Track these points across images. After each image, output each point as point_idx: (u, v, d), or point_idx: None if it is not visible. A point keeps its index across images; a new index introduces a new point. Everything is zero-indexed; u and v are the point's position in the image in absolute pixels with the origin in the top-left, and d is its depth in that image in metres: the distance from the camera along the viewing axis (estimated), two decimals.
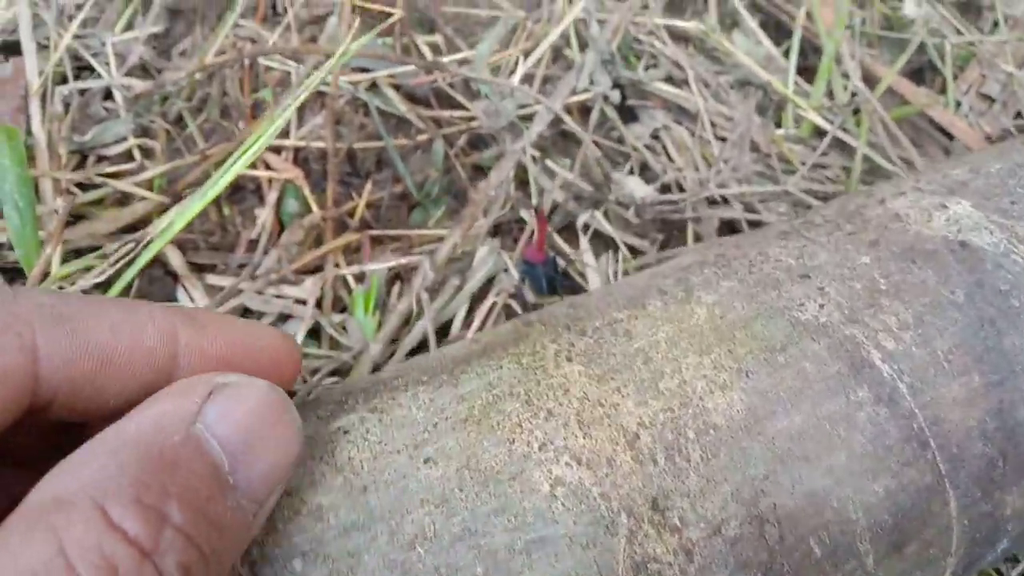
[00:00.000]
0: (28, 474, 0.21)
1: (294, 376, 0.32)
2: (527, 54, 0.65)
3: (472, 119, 0.63)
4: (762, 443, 0.30)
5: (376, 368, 0.53)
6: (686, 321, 0.34)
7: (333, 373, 0.54)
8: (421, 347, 0.56)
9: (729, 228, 0.64)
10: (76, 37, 0.65)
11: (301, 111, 0.64)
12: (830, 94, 0.69)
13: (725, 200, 0.63)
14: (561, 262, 0.58)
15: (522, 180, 0.63)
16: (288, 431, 0.27)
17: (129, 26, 0.67)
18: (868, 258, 0.36)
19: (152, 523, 0.20)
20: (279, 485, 0.26)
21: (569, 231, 0.62)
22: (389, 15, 0.69)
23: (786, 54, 0.73)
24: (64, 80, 0.64)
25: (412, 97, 0.65)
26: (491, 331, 0.39)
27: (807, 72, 0.72)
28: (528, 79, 0.66)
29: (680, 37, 0.73)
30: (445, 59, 0.65)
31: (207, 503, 0.22)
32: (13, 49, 0.65)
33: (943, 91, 0.72)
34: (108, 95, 0.64)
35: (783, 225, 0.40)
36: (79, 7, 0.67)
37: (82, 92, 0.63)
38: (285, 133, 0.62)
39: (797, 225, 0.40)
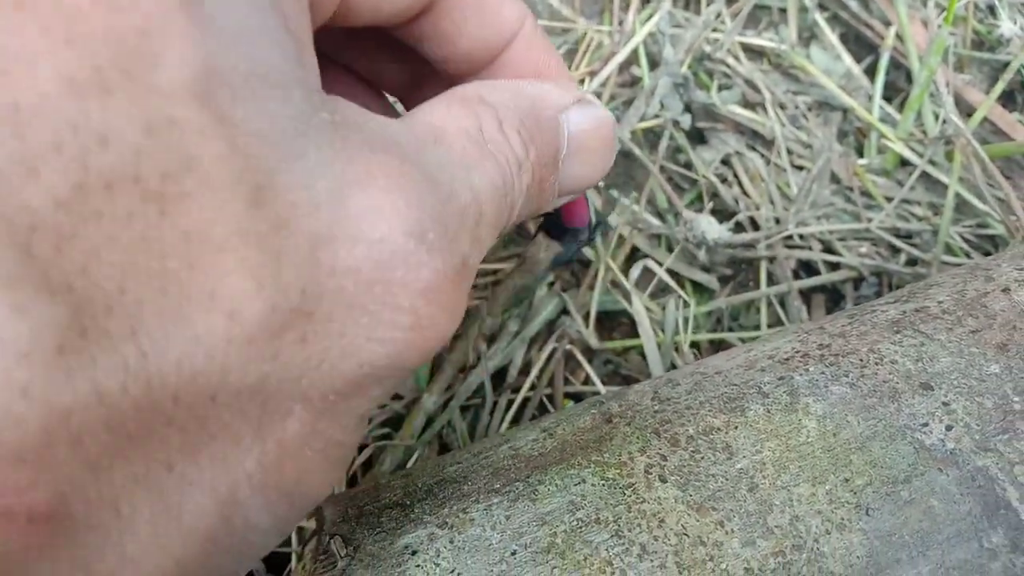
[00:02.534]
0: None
1: None
2: (593, 75, 0.61)
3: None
4: None
5: (430, 420, 0.50)
6: (794, 437, 0.31)
7: (385, 424, 0.51)
8: (477, 392, 0.53)
9: (806, 268, 0.60)
10: None
11: None
12: (919, 121, 0.64)
13: (802, 237, 0.59)
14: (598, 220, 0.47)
15: None
16: (607, 158, 0.32)
17: None
18: (998, 367, 0.32)
19: (523, 147, 0.27)
20: (577, 193, 0.32)
21: (629, 263, 0.59)
22: None
23: (867, 71, 0.68)
24: None
25: None
26: (565, 417, 0.36)
27: (889, 89, 0.67)
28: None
29: (755, 52, 0.68)
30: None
31: (545, 167, 0.29)
32: None
33: None
34: None
35: (891, 310, 0.36)
36: None
37: None
38: None
39: (910, 313, 0.36)
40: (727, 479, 0.30)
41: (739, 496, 0.29)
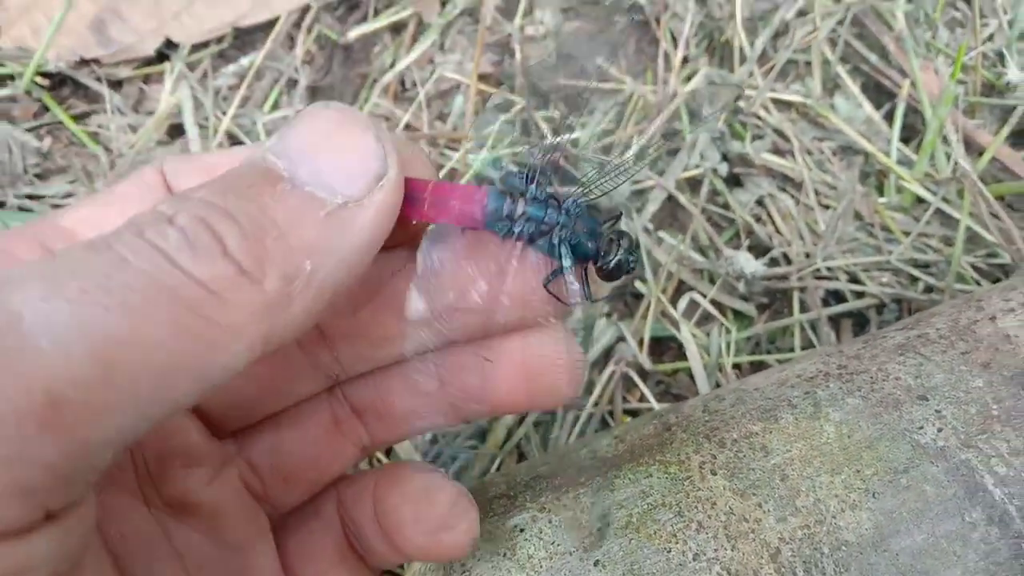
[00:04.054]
0: None
1: None
2: (641, 133, 0.70)
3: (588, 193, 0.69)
4: (887, 558, 0.35)
5: (509, 433, 0.59)
6: (817, 439, 0.39)
7: (472, 436, 0.60)
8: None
9: (834, 297, 0.67)
10: (231, 117, 0.72)
11: None
12: (932, 160, 0.71)
13: (829, 269, 0.67)
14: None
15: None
16: (354, 132, 0.27)
17: (276, 105, 0.74)
18: (981, 381, 0.40)
19: (175, 201, 0.25)
20: (374, 180, 0.26)
21: (677, 294, 0.67)
22: (510, 87, 0.75)
23: (887, 116, 0.76)
24: None
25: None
26: (632, 427, 0.45)
27: (907, 130, 0.75)
28: (642, 151, 0.71)
29: (784, 103, 0.76)
30: (562, 138, 0.71)
31: (247, 188, 0.25)
32: (176, 129, 0.73)
33: None
34: None
35: (898, 336, 0.45)
36: (232, 88, 0.74)
37: None
38: None
39: (913, 338, 0.44)
40: (764, 472, 0.38)
41: (773, 484, 0.38)
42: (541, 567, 0.37)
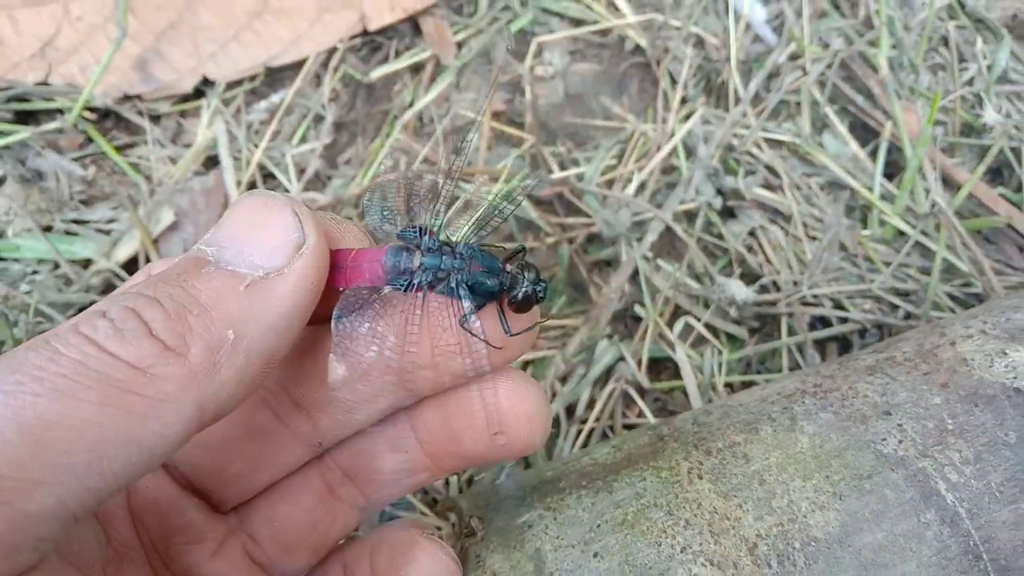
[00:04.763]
0: None
1: None
2: (641, 169, 0.76)
3: (591, 224, 0.74)
4: (851, 553, 0.40)
5: None
6: (792, 448, 0.44)
7: None
8: (552, 423, 0.66)
9: (820, 321, 0.73)
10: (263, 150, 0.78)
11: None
12: (912, 196, 0.77)
13: (815, 296, 0.72)
14: None
15: (633, 273, 0.73)
16: (272, 212, 0.29)
17: (304, 139, 0.80)
18: (939, 399, 0.45)
19: (111, 297, 0.27)
20: (294, 250, 0.29)
21: (673, 318, 0.73)
22: (520, 124, 0.81)
23: (872, 154, 0.81)
24: (254, 187, 0.77)
25: (540, 203, 0.77)
26: (629, 437, 0.50)
27: (891, 166, 0.80)
28: (641, 186, 0.77)
29: (775, 141, 0.82)
30: (569, 172, 0.76)
31: (176, 276, 0.28)
32: (211, 160, 0.79)
33: (1019, 189, 0.79)
34: None
35: (869, 358, 0.50)
36: (263, 123, 0.80)
37: None
38: None
39: (881, 361, 0.49)
40: (744, 476, 0.43)
41: (752, 488, 0.43)
42: (547, 558, 0.42)
